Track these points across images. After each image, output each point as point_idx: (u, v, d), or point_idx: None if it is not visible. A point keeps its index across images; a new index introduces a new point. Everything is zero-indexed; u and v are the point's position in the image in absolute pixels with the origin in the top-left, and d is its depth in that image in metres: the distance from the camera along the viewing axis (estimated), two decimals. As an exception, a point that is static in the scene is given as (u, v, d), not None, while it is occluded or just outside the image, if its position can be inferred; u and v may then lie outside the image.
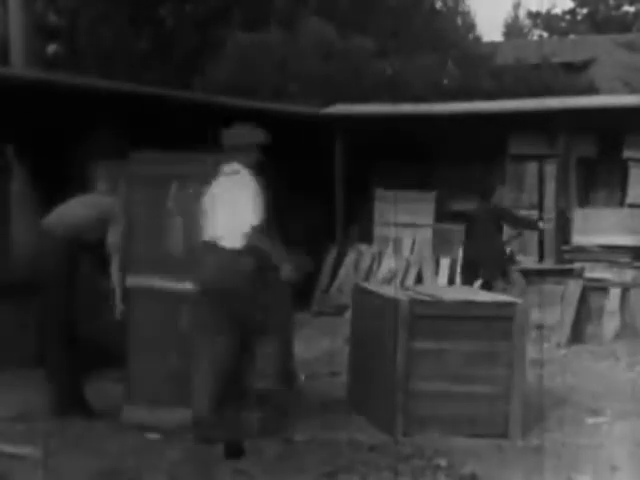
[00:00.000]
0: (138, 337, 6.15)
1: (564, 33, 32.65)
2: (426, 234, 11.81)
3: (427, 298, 6.23)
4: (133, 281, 6.17)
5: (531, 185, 11.61)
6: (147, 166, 6.25)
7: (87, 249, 6.47)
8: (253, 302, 5.63)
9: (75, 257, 6.37)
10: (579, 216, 10.95)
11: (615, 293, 9.83)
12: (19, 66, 15.47)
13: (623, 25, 31.35)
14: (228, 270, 5.54)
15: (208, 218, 5.72)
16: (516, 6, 44.56)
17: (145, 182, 6.24)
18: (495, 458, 5.47)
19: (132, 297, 6.18)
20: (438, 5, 24.76)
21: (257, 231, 5.51)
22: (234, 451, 5.42)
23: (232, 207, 5.59)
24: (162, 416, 5.99)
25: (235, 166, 5.73)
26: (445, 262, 11.36)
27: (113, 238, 6.36)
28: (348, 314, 8.28)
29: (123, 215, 6.34)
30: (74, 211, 6.52)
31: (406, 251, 11.77)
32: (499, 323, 5.97)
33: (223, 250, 5.57)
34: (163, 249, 6.15)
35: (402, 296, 6.17)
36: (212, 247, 5.62)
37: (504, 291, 9.26)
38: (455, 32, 23.39)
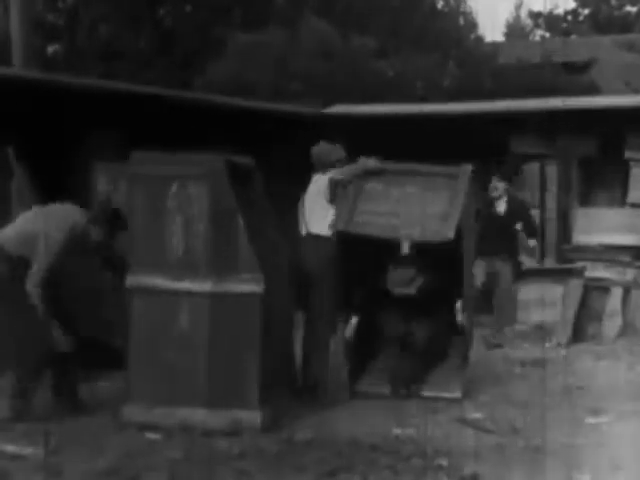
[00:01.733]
0: (138, 336, 6.13)
1: (566, 33, 32.67)
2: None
3: None
4: (133, 280, 6.16)
5: (532, 185, 11.60)
6: (148, 165, 6.24)
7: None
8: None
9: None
10: (580, 216, 10.94)
11: (616, 293, 9.81)
12: (19, 66, 15.48)
13: (625, 25, 31.36)
14: (326, 258, 6.81)
15: (307, 214, 7.00)
16: (518, 6, 44.58)
17: (146, 181, 6.23)
18: (496, 458, 5.46)
19: (132, 296, 6.17)
20: (439, 5, 24.73)
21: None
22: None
23: (321, 205, 6.98)
24: (162, 415, 5.99)
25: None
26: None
27: (31, 279, 6.12)
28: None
29: (49, 252, 6.17)
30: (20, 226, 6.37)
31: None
32: None
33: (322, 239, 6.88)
34: (163, 248, 6.14)
35: None
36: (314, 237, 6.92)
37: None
38: (456, 32, 23.35)
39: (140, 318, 6.13)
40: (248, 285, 6.01)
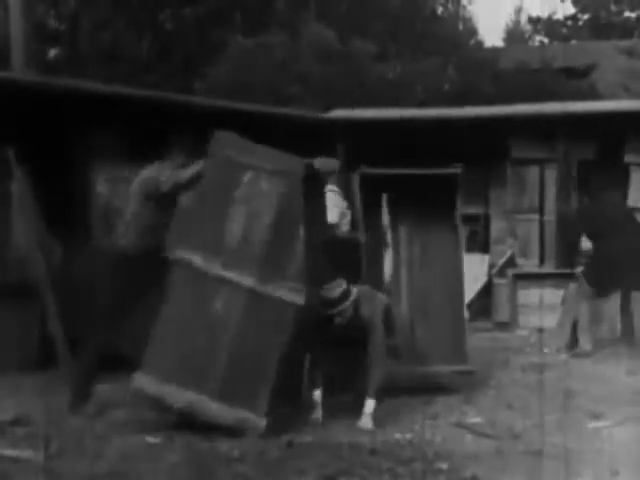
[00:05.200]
0: (169, 310, 6.05)
1: (565, 38, 32.71)
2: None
3: None
4: (180, 254, 6.08)
5: (532, 189, 11.62)
6: (227, 149, 6.14)
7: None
8: None
9: None
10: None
11: (615, 297, 9.81)
12: (20, 70, 15.50)
13: (624, 31, 31.39)
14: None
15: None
16: (517, 11, 44.69)
17: (220, 164, 6.15)
18: (496, 462, 5.46)
19: (175, 269, 6.09)
20: (439, 10, 24.78)
21: None
22: None
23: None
24: (171, 397, 5.93)
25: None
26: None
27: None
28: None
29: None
30: None
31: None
32: None
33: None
34: (219, 233, 6.06)
35: None
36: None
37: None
38: (456, 37, 23.41)
39: (175, 293, 6.06)
40: (290, 294, 5.98)
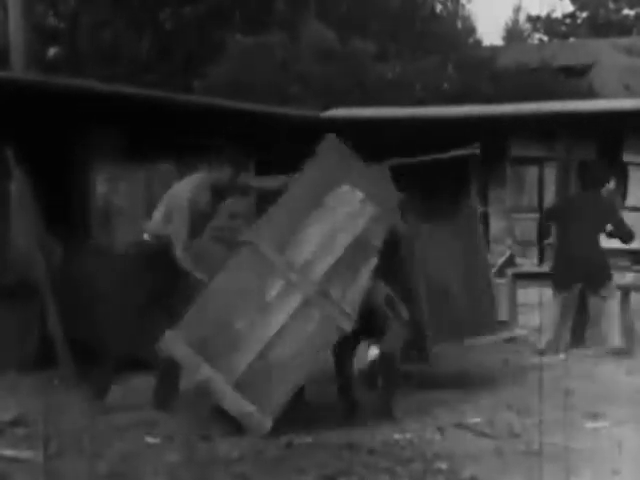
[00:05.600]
0: (219, 282, 6.04)
1: (564, 37, 32.70)
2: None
3: None
4: (251, 236, 6.12)
5: (531, 188, 11.62)
6: (334, 156, 6.18)
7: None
8: None
9: None
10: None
11: (614, 296, 9.80)
12: (19, 69, 15.49)
13: (623, 29, 31.37)
14: None
15: None
16: (516, 10, 44.63)
17: (319, 166, 6.17)
18: (495, 462, 5.46)
19: (242, 251, 6.10)
20: (438, 9, 24.77)
21: None
22: None
23: None
24: (193, 366, 5.92)
25: None
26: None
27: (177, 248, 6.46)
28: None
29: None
30: None
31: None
32: None
33: None
34: (294, 230, 6.07)
35: None
36: None
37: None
38: (455, 36, 23.39)
39: (234, 269, 6.06)
40: (341, 317, 6.00)
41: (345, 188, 6.12)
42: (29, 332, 7.97)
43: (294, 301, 6.01)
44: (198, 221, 6.60)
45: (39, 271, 7.76)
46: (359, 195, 6.11)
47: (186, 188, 6.61)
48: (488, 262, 7.78)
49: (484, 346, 9.13)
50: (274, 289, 6.00)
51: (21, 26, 16.20)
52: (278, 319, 5.98)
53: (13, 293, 7.91)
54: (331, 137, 6.28)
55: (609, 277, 9.26)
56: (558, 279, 9.37)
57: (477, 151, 7.38)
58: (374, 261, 6.10)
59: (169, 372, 6.47)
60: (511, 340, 7.55)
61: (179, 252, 6.42)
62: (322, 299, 6.00)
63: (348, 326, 6.01)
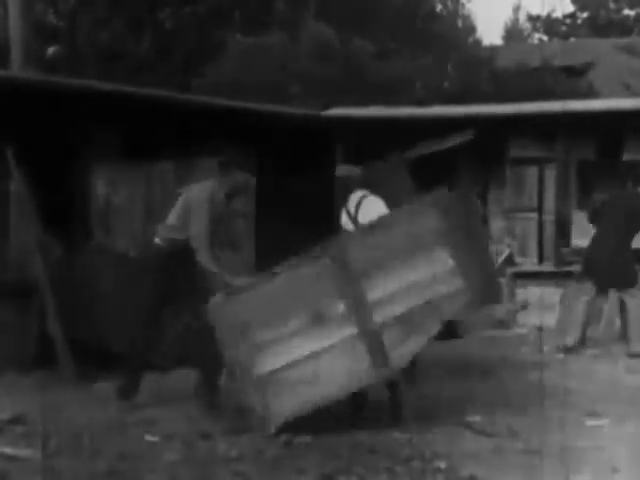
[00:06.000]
0: (286, 285, 6.00)
1: (564, 37, 32.74)
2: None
3: None
4: (338, 252, 6.13)
5: (531, 188, 11.62)
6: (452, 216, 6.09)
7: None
8: None
9: None
10: (579, 219, 10.95)
11: (614, 296, 9.81)
12: (19, 68, 15.49)
13: (623, 29, 31.42)
14: None
15: None
16: (516, 9, 44.67)
17: (428, 218, 6.08)
18: (494, 460, 5.46)
19: (322, 259, 6.10)
20: (438, 8, 24.78)
21: None
22: None
23: None
24: (233, 342, 5.92)
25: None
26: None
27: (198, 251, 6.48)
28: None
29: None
30: None
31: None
32: None
33: None
34: (382, 267, 6.03)
35: None
36: None
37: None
38: (455, 35, 23.40)
39: (308, 273, 6.02)
40: (381, 361, 5.95)
41: (440, 250, 6.07)
42: (28, 331, 7.98)
43: (347, 328, 5.96)
44: (215, 225, 6.63)
45: (38, 271, 7.77)
46: (451, 263, 6.05)
47: (203, 195, 6.63)
48: (487, 239, 7.70)
49: (483, 343, 9.17)
50: (336, 308, 5.96)
51: (20, 24, 16.21)
52: (324, 337, 5.95)
53: (12, 292, 7.92)
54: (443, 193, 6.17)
55: (632, 284, 9.09)
56: (591, 281, 9.18)
57: (471, 137, 7.42)
58: (435, 331, 6.05)
59: (214, 372, 6.53)
60: (523, 308, 7.47)
61: (203, 255, 6.44)
62: (374, 340, 5.94)
63: (382, 377, 5.99)
